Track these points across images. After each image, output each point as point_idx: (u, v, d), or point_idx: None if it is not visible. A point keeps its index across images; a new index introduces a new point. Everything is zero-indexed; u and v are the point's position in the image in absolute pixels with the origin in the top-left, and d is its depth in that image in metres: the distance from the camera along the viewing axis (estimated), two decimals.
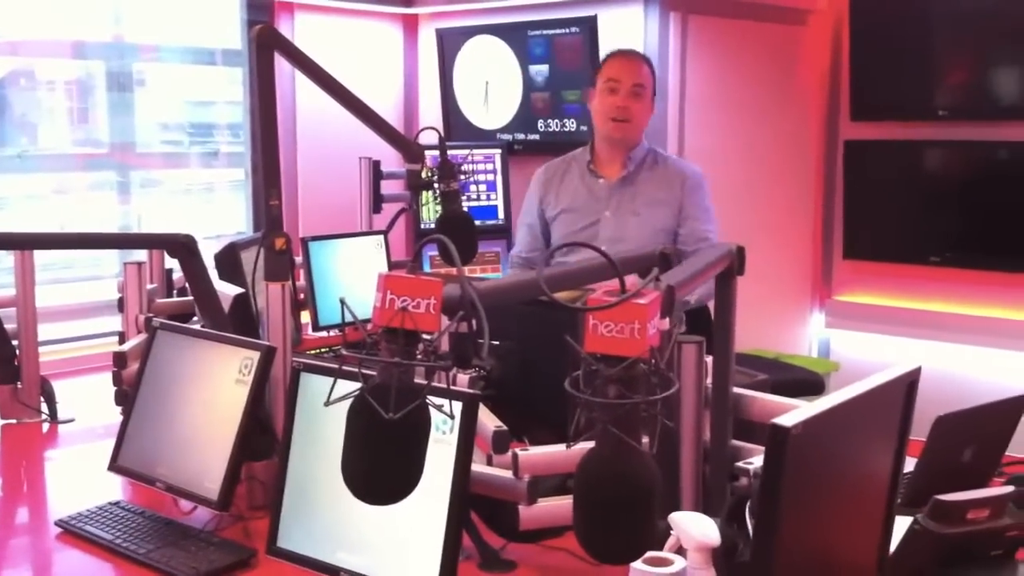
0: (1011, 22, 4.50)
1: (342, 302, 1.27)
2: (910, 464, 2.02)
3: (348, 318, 1.24)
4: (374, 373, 1.24)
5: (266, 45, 2.24)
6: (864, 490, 1.48)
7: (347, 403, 1.25)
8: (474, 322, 1.26)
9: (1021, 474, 1.79)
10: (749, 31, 4.70)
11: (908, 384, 1.47)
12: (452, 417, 1.38)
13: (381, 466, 1.24)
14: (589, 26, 4.38)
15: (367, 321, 1.26)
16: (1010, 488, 1.73)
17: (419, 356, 1.24)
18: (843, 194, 5.08)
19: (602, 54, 4.25)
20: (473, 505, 1.83)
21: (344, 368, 1.31)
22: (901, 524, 1.64)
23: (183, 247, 2.30)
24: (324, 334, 3.33)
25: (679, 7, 4.36)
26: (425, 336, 1.25)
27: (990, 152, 4.66)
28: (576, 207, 3.50)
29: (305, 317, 3.34)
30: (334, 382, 1.27)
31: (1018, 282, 4.61)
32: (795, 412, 1.22)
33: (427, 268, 4.21)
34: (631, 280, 1.24)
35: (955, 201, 4.77)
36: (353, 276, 3.33)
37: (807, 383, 3.87)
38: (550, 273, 1.44)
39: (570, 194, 3.52)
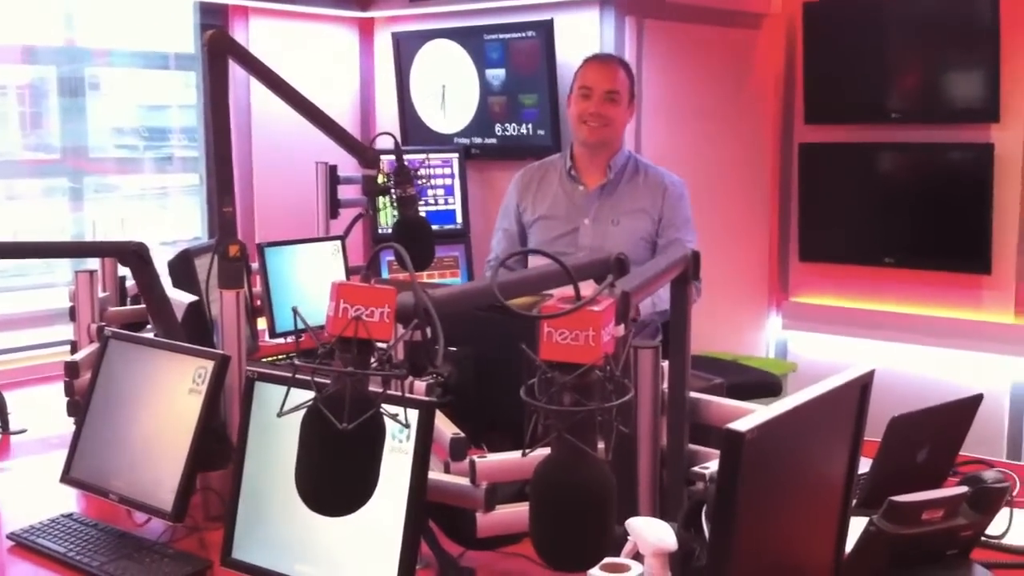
0: (960, 26, 4.56)
1: (295, 311, 1.26)
2: (865, 465, 2.04)
3: (301, 327, 1.23)
4: (328, 382, 1.23)
5: (218, 51, 2.22)
6: (819, 492, 1.49)
7: (302, 413, 1.24)
8: (429, 329, 1.26)
9: (975, 474, 1.81)
10: (704, 35, 4.73)
11: (861, 387, 1.48)
12: (407, 426, 1.37)
13: (335, 477, 1.23)
14: (545, 30, 4.38)
15: (321, 328, 1.25)
16: (964, 488, 1.74)
17: (374, 365, 1.23)
18: (798, 197, 5.12)
19: (559, 59, 4.28)
20: (431, 513, 1.82)
21: (298, 377, 1.30)
22: (857, 525, 1.66)
23: (134, 255, 2.27)
24: (281, 341, 3.30)
25: (634, 11, 4.37)
26: (380, 345, 1.24)
27: (941, 154, 4.72)
28: (555, 214, 3.47)
29: (262, 323, 3.32)
30: (287, 392, 1.26)
31: (971, 282, 4.67)
32: (749, 417, 1.22)
33: (385, 274, 4.19)
34: (587, 286, 1.23)
35: (908, 203, 4.82)
36: (310, 282, 3.31)
37: (765, 385, 3.90)
38: (505, 280, 1.43)
39: (549, 200, 3.50)
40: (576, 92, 3.42)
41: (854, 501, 1.97)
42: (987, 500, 1.76)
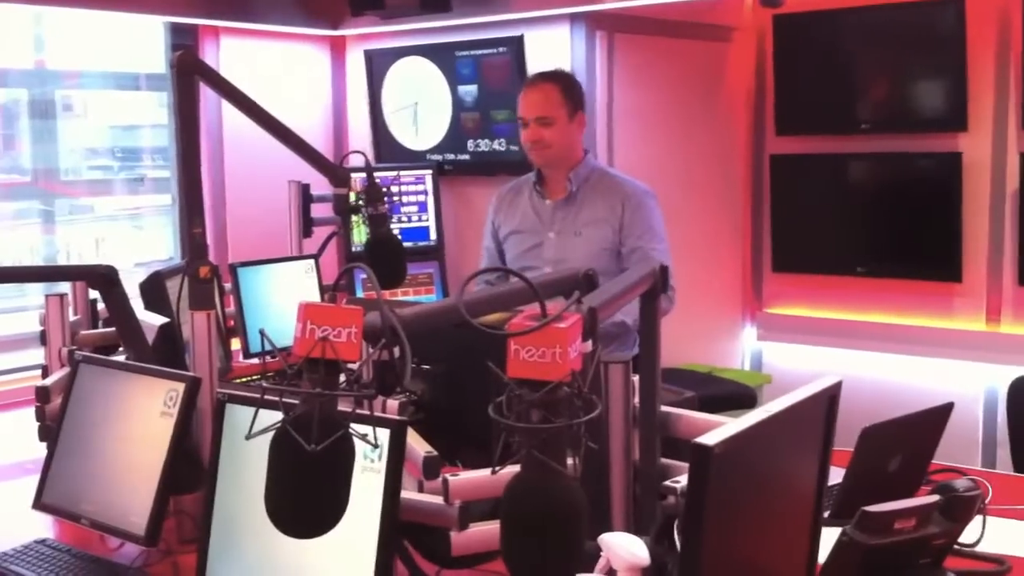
0: (927, 36, 4.60)
1: (262, 333, 1.26)
2: (838, 475, 2.04)
3: (269, 349, 1.23)
4: (297, 402, 1.23)
5: (187, 71, 2.21)
6: (789, 504, 1.50)
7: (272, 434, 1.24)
8: (397, 348, 1.26)
9: (947, 482, 1.82)
10: (674, 49, 4.75)
11: (829, 398, 1.48)
12: (376, 446, 1.37)
13: (304, 498, 1.23)
14: (516, 46, 4.39)
15: (285, 350, 1.24)
16: (936, 497, 1.75)
17: (342, 385, 1.23)
18: (770, 207, 5.15)
19: (530, 73, 4.26)
20: (405, 532, 1.81)
21: (267, 399, 1.29)
22: (830, 536, 1.66)
23: (103, 278, 2.26)
24: (255, 361, 3.29)
25: (605, 26, 4.39)
26: (349, 365, 1.24)
27: (911, 163, 4.75)
28: (524, 228, 3.49)
29: (236, 344, 3.30)
30: (255, 414, 1.26)
31: (942, 291, 4.70)
32: (717, 431, 1.22)
33: (360, 292, 4.18)
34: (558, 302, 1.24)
35: (879, 212, 4.86)
36: (284, 301, 3.30)
37: (740, 396, 3.91)
38: (472, 298, 1.43)
39: (519, 216, 3.52)
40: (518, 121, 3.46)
41: (827, 512, 1.99)
42: (959, 508, 1.76)
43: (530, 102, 3.39)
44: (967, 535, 1.87)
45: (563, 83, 3.42)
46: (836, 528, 1.69)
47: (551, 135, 3.35)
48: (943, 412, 2.22)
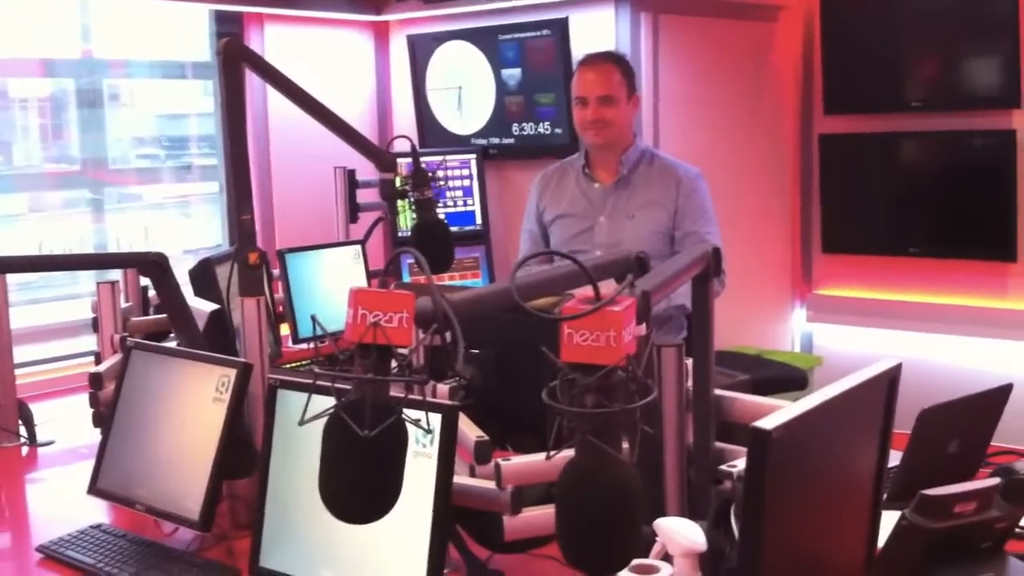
0: (979, 11, 4.52)
1: (313, 319, 1.26)
2: (895, 458, 2.01)
3: (321, 334, 1.22)
4: (349, 387, 1.22)
5: (233, 59, 2.21)
6: (849, 488, 1.47)
7: (324, 420, 1.23)
8: (448, 333, 1.25)
9: (1007, 465, 1.78)
10: (721, 29, 4.70)
11: (889, 381, 1.46)
12: (429, 431, 1.36)
13: (358, 485, 1.22)
14: (560, 28, 4.37)
15: (336, 334, 1.24)
16: (996, 480, 1.72)
17: (394, 370, 1.22)
18: (820, 188, 5.09)
19: (574, 57, 4.25)
20: (458, 516, 1.81)
21: (319, 384, 1.29)
22: (888, 519, 1.64)
23: (154, 266, 2.27)
24: (304, 346, 3.31)
25: (650, 7, 4.35)
26: (400, 350, 1.23)
27: (964, 142, 4.67)
28: (573, 212, 3.47)
29: (285, 329, 3.32)
30: (308, 400, 1.25)
31: (996, 270, 4.63)
32: (776, 414, 1.21)
33: (406, 277, 4.19)
34: (607, 285, 1.22)
35: (931, 192, 4.78)
36: (331, 287, 3.31)
37: (791, 379, 3.86)
38: (524, 281, 1.42)
39: (567, 199, 3.50)
40: (574, 101, 3.42)
41: (885, 494, 1.96)
42: (1020, 491, 1.73)
43: (591, 81, 3.36)
44: None
45: (622, 64, 3.42)
46: (894, 511, 1.66)
47: (612, 114, 3.34)
48: (1002, 393, 2.17)
